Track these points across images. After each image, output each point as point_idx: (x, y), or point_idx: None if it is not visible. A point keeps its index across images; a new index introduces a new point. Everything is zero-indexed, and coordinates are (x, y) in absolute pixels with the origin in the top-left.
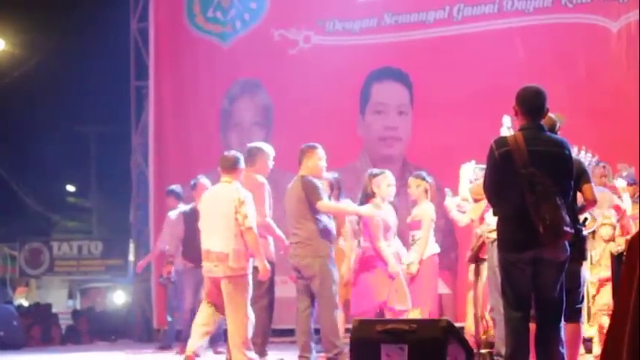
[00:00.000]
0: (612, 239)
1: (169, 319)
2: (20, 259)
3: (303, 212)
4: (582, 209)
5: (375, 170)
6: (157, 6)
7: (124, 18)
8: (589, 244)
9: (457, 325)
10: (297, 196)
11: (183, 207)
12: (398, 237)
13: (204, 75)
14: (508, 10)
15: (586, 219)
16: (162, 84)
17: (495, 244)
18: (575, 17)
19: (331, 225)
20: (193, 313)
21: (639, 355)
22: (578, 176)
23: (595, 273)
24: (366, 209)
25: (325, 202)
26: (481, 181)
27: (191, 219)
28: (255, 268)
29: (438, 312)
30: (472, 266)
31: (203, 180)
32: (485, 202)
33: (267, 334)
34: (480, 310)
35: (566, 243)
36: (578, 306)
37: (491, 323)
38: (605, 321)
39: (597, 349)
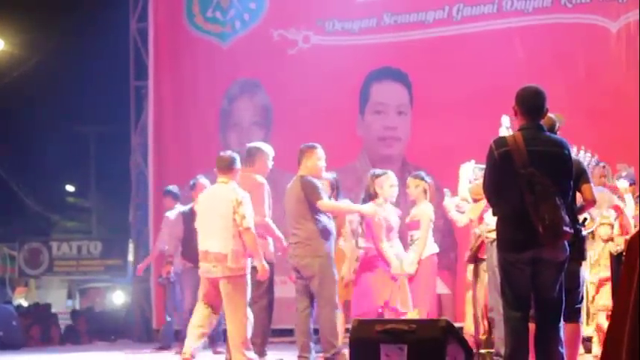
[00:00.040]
0: (611, 239)
1: (168, 318)
2: (19, 259)
3: (302, 212)
4: (581, 209)
5: (378, 171)
6: (157, 6)
7: (124, 18)
8: (588, 244)
9: (456, 325)
10: (297, 196)
11: (180, 207)
12: (397, 237)
13: (203, 75)
14: (507, 10)
15: (585, 219)
16: (162, 84)
17: (495, 244)
18: (575, 17)
19: (331, 225)
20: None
21: (638, 356)
22: (578, 176)
23: (594, 273)
24: (368, 208)
25: (326, 202)
26: (480, 181)
27: (190, 219)
28: (254, 268)
29: (437, 312)
30: (471, 266)
31: (202, 180)
32: (484, 202)
33: (267, 334)
34: (479, 310)
35: (566, 243)
36: (578, 306)
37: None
38: (603, 320)
39: (597, 349)
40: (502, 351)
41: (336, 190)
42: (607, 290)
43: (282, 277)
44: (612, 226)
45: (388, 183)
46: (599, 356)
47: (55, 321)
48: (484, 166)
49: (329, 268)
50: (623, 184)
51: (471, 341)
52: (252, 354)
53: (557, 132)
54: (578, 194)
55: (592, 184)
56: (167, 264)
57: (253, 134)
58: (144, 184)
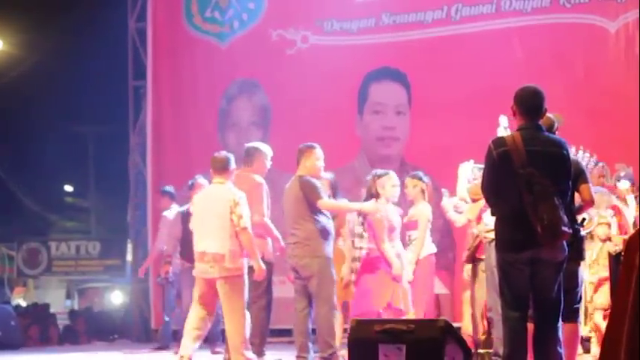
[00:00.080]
0: (608, 238)
1: (166, 318)
2: (18, 259)
3: (301, 212)
4: (580, 210)
5: (379, 171)
6: (155, 6)
7: (122, 18)
8: (586, 244)
9: (455, 325)
10: (295, 196)
11: (176, 207)
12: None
13: (202, 75)
14: (506, 10)
15: (584, 219)
16: (160, 84)
17: (493, 244)
18: (573, 17)
19: (330, 225)
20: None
21: (637, 356)
22: (576, 176)
23: (592, 273)
24: (369, 205)
25: (326, 201)
26: (479, 181)
27: (189, 219)
28: (251, 268)
29: (436, 312)
30: (467, 266)
31: (201, 180)
32: (482, 202)
33: (265, 335)
34: (478, 310)
35: (564, 243)
36: (576, 306)
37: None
38: (600, 319)
39: (595, 349)
40: (501, 351)
41: (333, 191)
42: (605, 290)
43: (281, 277)
44: (610, 226)
45: (390, 183)
46: (598, 356)
47: (54, 321)
48: (483, 166)
49: (327, 268)
50: (624, 184)
51: (469, 341)
52: (250, 354)
53: (556, 132)
54: (576, 194)
55: (590, 185)
56: (166, 264)
57: (252, 134)
58: (142, 184)
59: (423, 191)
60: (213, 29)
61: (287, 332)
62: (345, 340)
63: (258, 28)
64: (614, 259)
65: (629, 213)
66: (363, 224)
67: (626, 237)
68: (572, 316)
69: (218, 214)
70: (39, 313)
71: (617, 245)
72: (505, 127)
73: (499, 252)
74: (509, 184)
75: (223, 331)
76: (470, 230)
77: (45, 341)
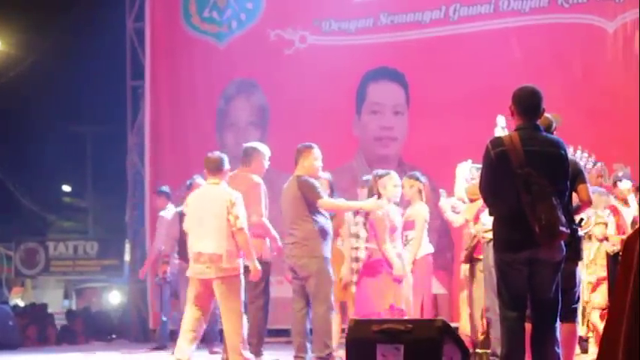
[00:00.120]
0: (605, 238)
1: (164, 318)
2: (16, 259)
3: (299, 212)
4: (578, 210)
5: (381, 171)
6: (153, 6)
7: (120, 18)
8: (583, 244)
9: (453, 325)
10: (294, 196)
11: (172, 207)
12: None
13: (200, 75)
14: (504, 10)
15: (582, 219)
16: (159, 84)
17: (491, 244)
18: (572, 17)
19: (328, 225)
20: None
21: (635, 356)
22: (574, 177)
23: (590, 273)
24: (370, 203)
25: (327, 200)
26: (477, 180)
27: None
28: (246, 268)
29: (434, 312)
30: (464, 266)
31: (199, 180)
32: (479, 203)
33: (263, 334)
34: (476, 310)
35: (562, 243)
36: (574, 306)
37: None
38: (596, 319)
39: (593, 348)
40: (498, 351)
41: (331, 190)
42: (603, 290)
43: (279, 277)
44: (606, 225)
45: (392, 183)
46: (596, 356)
47: (52, 321)
48: (481, 166)
49: (325, 268)
50: (626, 184)
51: (466, 341)
52: (249, 354)
53: (554, 132)
54: (574, 194)
55: (588, 185)
56: (164, 264)
57: (250, 134)
58: (140, 184)
59: (420, 191)
60: (212, 29)
61: (285, 332)
62: (343, 340)
63: (256, 28)
64: (612, 259)
65: (628, 213)
66: (359, 224)
67: (624, 237)
68: (569, 316)
69: (215, 214)
70: (37, 313)
71: (614, 245)
72: (502, 127)
73: (497, 252)
74: (507, 184)
75: (221, 331)
76: (466, 230)
77: (43, 341)
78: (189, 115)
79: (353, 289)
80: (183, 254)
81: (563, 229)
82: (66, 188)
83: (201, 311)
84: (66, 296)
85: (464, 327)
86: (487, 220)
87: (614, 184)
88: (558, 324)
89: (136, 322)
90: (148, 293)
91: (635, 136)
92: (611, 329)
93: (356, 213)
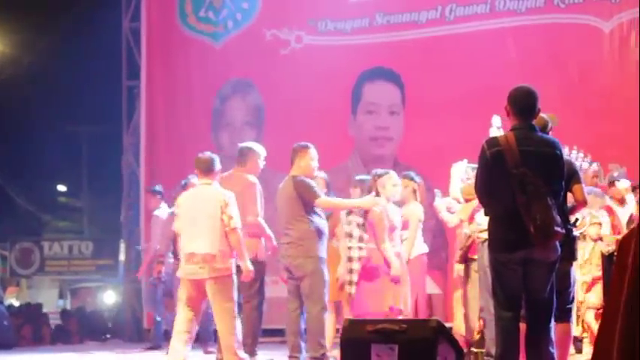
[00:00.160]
0: (600, 238)
1: (158, 318)
2: (11, 259)
3: (294, 212)
4: (573, 210)
5: (380, 170)
6: (149, 6)
7: (116, 18)
8: (578, 244)
9: (447, 325)
10: (289, 196)
11: (165, 207)
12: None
13: (196, 75)
14: (500, 10)
15: (577, 219)
16: (154, 84)
17: (486, 244)
18: (568, 17)
19: (323, 225)
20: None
21: (629, 355)
22: (569, 177)
23: (584, 273)
24: (367, 200)
25: (324, 199)
26: (473, 180)
27: None
28: (238, 268)
29: (428, 312)
30: (458, 266)
31: (194, 180)
32: (475, 203)
33: (258, 334)
34: (472, 310)
35: (557, 243)
36: (569, 306)
37: None
38: (591, 318)
39: (587, 348)
40: (493, 351)
41: (328, 190)
42: (598, 289)
43: (273, 277)
44: (601, 225)
45: (391, 182)
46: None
47: (47, 321)
48: (477, 165)
49: (320, 268)
50: (624, 184)
51: (461, 341)
52: (243, 353)
53: (550, 132)
54: (569, 195)
55: (583, 185)
56: (158, 264)
57: (245, 134)
58: (136, 184)
59: (414, 191)
60: (207, 29)
61: (279, 332)
62: (338, 340)
63: (252, 28)
64: (607, 259)
65: (623, 213)
66: (352, 223)
67: (619, 237)
68: (564, 316)
69: (209, 214)
70: (32, 312)
71: (609, 245)
72: (498, 127)
73: (492, 252)
74: (502, 184)
75: (215, 331)
76: (459, 230)
77: (38, 341)
78: (185, 115)
79: (348, 289)
80: (178, 254)
81: (558, 229)
82: (61, 188)
83: (193, 312)
84: (61, 296)
85: (458, 327)
86: (482, 220)
87: (610, 185)
88: (553, 324)
89: (131, 321)
90: (142, 293)
91: (630, 135)
92: (606, 329)
93: (349, 212)
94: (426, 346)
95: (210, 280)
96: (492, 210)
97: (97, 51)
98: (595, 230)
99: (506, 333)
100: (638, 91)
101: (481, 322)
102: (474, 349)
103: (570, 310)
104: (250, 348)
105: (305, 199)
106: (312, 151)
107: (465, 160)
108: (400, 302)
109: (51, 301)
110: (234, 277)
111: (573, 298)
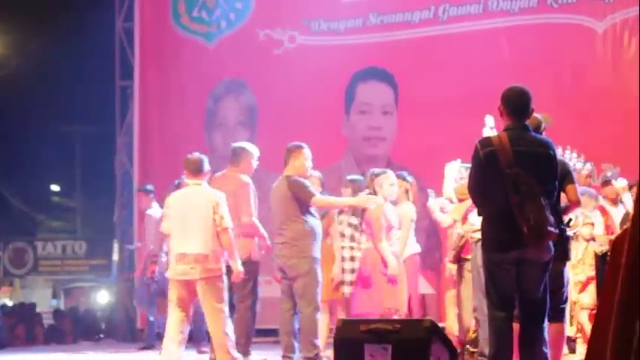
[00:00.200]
0: (592, 238)
1: (151, 318)
2: (4, 259)
3: (289, 213)
4: (566, 210)
5: (377, 170)
6: (143, 6)
7: (109, 18)
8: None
9: (441, 325)
10: (283, 196)
11: (157, 206)
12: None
13: (189, 75)
14: (493, 10)
15: (570, 220)
16: (148, 84)
17: (479, 244)
18: (561, 17)
19: (317, 225)
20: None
21: (623, 356)
22: (563, 177)
23: (577, 273)
24: (361, 199)
25: (320, 197)
26: (466, 180)
27: None
28: (229, 268)
29: (422, 312)
30: (450, 265)
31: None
32: (468, 203)
33: (251, 334)
34: (465, 310)
35: (550, 243)
36: (562, 306)
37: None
38: (585, 319)
39: (581, 349)
40: (486, 351)
41: (322, 189)
42: (591, 290)
43: (267, 277)
44: (593, 225)
45: (388, 182)
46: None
47: (40, 320)
48: (470, 165)
49: (314, 269)
50: (621, 182)
51: (454, 341)
52: (236, 352)
53: (544, 132)
54: (562, 195)
55: (577, 185)
56: (152, 264)
57: (238, 134)
58: (129, 184)
59: (407, 191)
60: (201, 29)
61: (273, 332)
62: (331, 340)
63: (246, 27)
64: (601, 260)
65: (617, 213)
66: (343, 222)
67: (612, 237)
68: (558, 316)
69: (201, 215)
70: (25, 312)
71: (602, 245)
72: (491, 127)
73: (485, 252)
74: (495, 184)
75: (209, 331)
76: (451, 230)
77: (31, 341)
78: (178, 115)
79: (342, 289)
80: None
81: (551, 229)
82: (54, 188)
83: (184, 312)
84: (54, 296)
85: (450, 327)
86: (475, 220)
87: (603, 184)
88: (546, 324)
89: (124, 321)
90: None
91: (623, 135)
92: (600, 329)
93: (340, 212)
94: (419, 346)
95: (202, 280)
96: (485, 210)
97: (90, 51)
98: (588, 230)
99: (499, 333)
100: (632, 91)
101: (473, 322)
102: (470, 348)
103: (564, 310)
104: (244, 348)
105: (300, 199)
106: (307, 151)
107: (459, 160)
108: (397, 303)
109: (44, 300)
110: (225, 277)
111: (567, 298)
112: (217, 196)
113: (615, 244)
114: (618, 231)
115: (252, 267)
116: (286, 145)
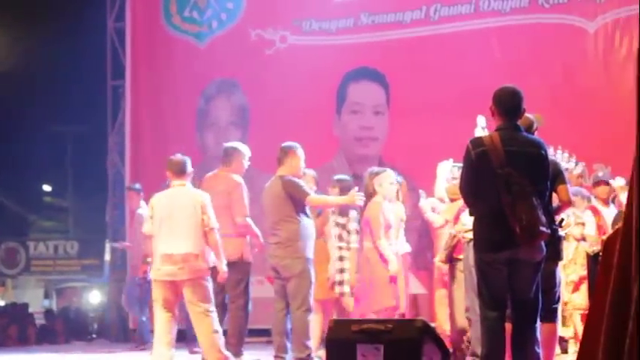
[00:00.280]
0: (583, 238)
1: (143, 318)
2: None
3: (282, 213)
4: (558, 210)
5: (376, 169)
6: (134, 6)
7: (101, 17)
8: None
9: (434, 325)
10: (277, 196)
11: (145, 205)
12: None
13: (180, 75)
14: (485, 10)
15: (562, 220)
16: (139, 84)
17: (471, 244)
18: (552, 17)
19: (311, 226)
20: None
21: (614, 356)
22: (554, 177)
23: (568, 273)
24: (349, 197)
25: (315, 196)
26: (458, 180)
27: None
28: (214, 269)
29: (414, 312)
30: (441, 265)
31: None
32: (460, 203)
33: (243, 334)
34: (457, 310)
35: (542, 243)
36: (554, 306)
37: None
38: (578, 320)
39: (573, 349)
40: (479, 351)
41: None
42: (584, 290)
43: (259, 277)
44: (584, 225)
45: (388, 181)
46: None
47: (32, 320)
48: (462, 165)
49: (307, 269)
50: (619, 182)
51: (446, 340)
52: (226, 351)
53: (535, 132)
54: (554, 195)
55: (568, 185)
56: (144, 264)
57: (230, 134)
58: (121, 184)
59: (397, 191)
60: (192, 29)
61: (265, 332)
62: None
63: (237, 28)
64: (593, 260)
65: (609, 213)
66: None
67: (604, 237)
68: (550, 316)
69: (188, 215)
70: (17, 312)
71: (593, 245)
72: (483, 128)
73: (477, 252)
74: (487, 184)
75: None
76: (441, 230)
77: (23, 341)
78: (170, 115)
79: (338, 289)
80: None
81: (543, 229)
82: (46, 188)
83: (170, 312)
84: (46, 296)
85: (441, 326)
86: (467, 220)
87: (595, 185)
88: (538, 324)
89: (116, 321)
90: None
91: (614, 135)
92: (591, 329)
93: (334, 211)
94: (411, 346)
95: (189, 281)
96: (477, 210)
97: (82, 51)
98: (579, 230)
99: (491, 333)
100: (624, 91)
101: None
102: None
103: (556, 309)
104: (236, 348)
105: (295, 199)
106: (300, 151)
107: (451, 160)
108: (396, 301)
109: (36, 301)
110: (209, 278)
111: (559, 298)
112: (203, 196)
113: (607, 245)
114: (610, 231)
115: (244, 267)
116: (280, 145)
